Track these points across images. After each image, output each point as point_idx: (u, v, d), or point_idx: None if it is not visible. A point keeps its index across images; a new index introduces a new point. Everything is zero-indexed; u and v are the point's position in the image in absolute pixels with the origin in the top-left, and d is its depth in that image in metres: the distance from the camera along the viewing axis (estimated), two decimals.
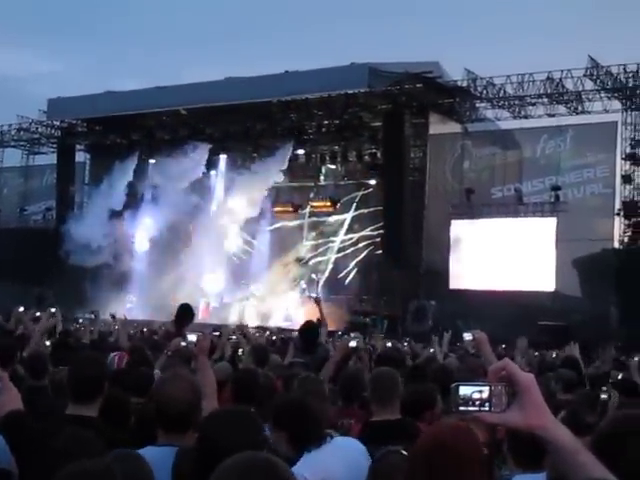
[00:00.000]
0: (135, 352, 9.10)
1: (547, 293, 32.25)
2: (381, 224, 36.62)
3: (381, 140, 36.91)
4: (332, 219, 40.89)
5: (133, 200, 41.98)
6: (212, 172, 41.99)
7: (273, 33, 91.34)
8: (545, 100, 34.31)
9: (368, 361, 9.52)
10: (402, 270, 34.62)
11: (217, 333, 11.33)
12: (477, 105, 36.07)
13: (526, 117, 35.40)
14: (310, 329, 10.26)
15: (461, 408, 2.18)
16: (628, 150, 32.90)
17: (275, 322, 36.34)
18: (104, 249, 39.80)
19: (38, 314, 10.42)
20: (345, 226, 40.55)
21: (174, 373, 4.53)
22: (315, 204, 40.89)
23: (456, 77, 35.23)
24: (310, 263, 40.99)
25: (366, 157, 39.22)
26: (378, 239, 37.72)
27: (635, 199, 32.60)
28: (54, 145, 46.23)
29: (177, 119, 41.39)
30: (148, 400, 5.28)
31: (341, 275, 40.03)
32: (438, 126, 36.28)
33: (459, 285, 33.89)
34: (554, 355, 15.13)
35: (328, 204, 40.31)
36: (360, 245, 39.75)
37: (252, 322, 36.95)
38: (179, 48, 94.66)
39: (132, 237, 42.35)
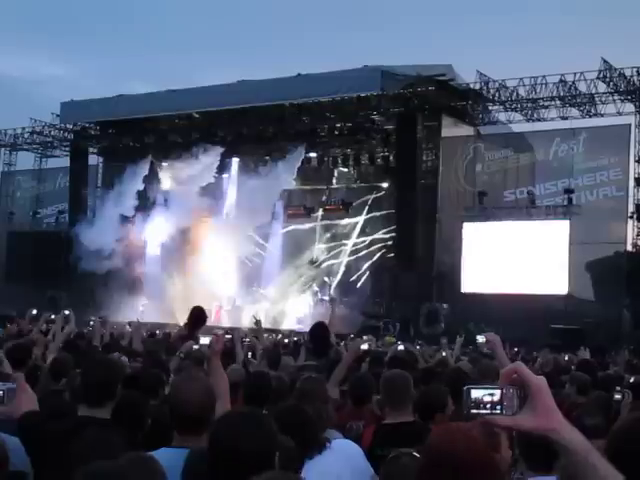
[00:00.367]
0: (148, 355, 9.15)
1: (560, 296, 32.13)
2: (393, 227, 36.59)
3: (393, 143, 36.89)
4: (344, 222, 40.89)
5: (145, 203, 42.02)
6: (224, 175, 42.06)
7: (286, 36, 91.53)
8: (558, 103, 34.21)
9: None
10: (414, 273, 34.59)
11: (229, 336, 11.35)
12: (490, 108, 36.02)
13: (539, 120, 35.32)
14: (320, 331, 10.27)
15: (473, 411, 2.19)
16: None
17: (287, 325, 36.39)
18: (116, 254, 39.87)
19: (53, 317, 10.45)
20: (357, 229, 40.55)
21: (189, 375, 4.56)
22: (327, 207, 40.93)
23: (469, 80, 35.22)
24: (322, 266, 41.00)
25: (378, 160, 39.23)
26: (390, 242, 37.70)
27: None
28: (67, 148, 46.38)
29: (189, 122, 41.49)
30: (161, 402, 5.31)
31: (353, 278, 40.02)
32: (451, 129, 36.26)
33: (471, 288, 33.81)
34: (566, 358, 15.13)
35: (340, 207, 40.35)
36: (372, 248, 39.73)
37: (264, 325, 37.06)
38: (192, 52, 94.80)
39: (144, 241, 42.40)
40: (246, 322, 36.95)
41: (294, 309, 38.65)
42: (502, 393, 2.17)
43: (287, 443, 3.81)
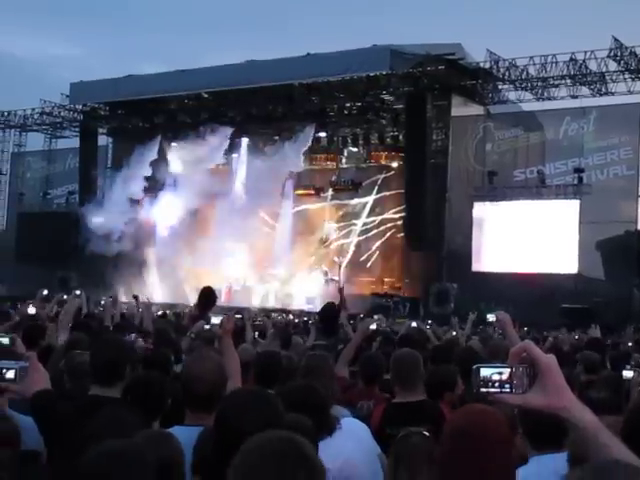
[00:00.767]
0: (159, 334, 9.17)
1: (570, 275, 32.10)
2: (403, 207, 36.59)
3: (403, 122, 36.83)
4: (354, 202, 40.89)
5: (154, 184, 42.03)
6: (234, 155, 42.06)
7: (295, 16, 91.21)
8: (568, 81, 34.05)
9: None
10: (424, 253, 34.61)
11: (239, 316, 11.38)
12: (500, 87, 35.89)
13: (549, 99, 35.16)
14: (330, 311, 10.28)
15: (482, 389, 2.20)
16: None
17: (297, 305, 36.46)
18: (125, 236, 39.93)
19: (65, 297, 10.47)
20: (367, 209, 40.55)
21: (201, 354, 4.57)
22: (337, 187, 40.90)
23: (478, 59, 35.09)
24: (332, 246, 41.04)
25: (388, 139, 39.20)
26: (400, 222, 37.71)
27: None
28: (77, 129, 46.42)
29: (199, 102, 41.43)
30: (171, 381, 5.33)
31: (363, 258, 40.06)
32: (460, 108, 36.12)
33: (481, 268, 33.81)
34: (577, 337, 15.14)
35: (350, 187, 40.32)
36: (382, 228, 39.75)
37: (274, 305, 37.19)
38: (201, 32, 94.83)
39: (153, 221, 42.43)
40: (256, 302, 37.11)
41: (304, 289, 38.67)
42: (512, 372, 2.18)
43: (304, 422, 3.81)
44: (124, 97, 41.37)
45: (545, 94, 35.07)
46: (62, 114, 45.96)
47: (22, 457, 3.68)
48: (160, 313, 18.27)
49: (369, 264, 39.77)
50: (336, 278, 38.10)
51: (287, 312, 31.59)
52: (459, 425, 2.88)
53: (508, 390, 2.18)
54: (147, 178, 41.55)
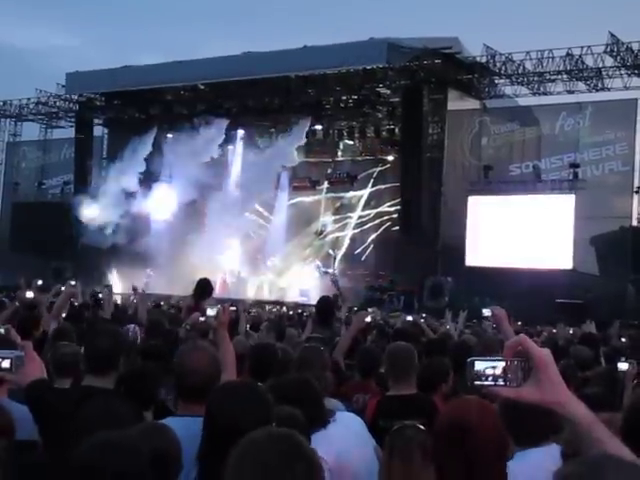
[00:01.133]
0: (151, 325, 9.18)
1: (564, 271, 32.10)
2: (398, 200, 36.60)
3: (399, 116, 36.81)
4: (349, 195, 40.91)
5: (149, 176, 41.94)
6: (229, 147, 42.00)
7: (291, 8, 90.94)
8: (564, 77, 34.06)
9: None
10: (419, 246, 34.57)
11: (234, 308, 11.38)
12: (496, 81, 35.86)
13: (545, 94, 35.16)
14: (326, 304, 10.30)
15: (476, 382, 2.21)
16: None
17: (292, 297, 36.46)
18: (120, 228, 39.89)
19: (62, 288, 10.44)
20: (362, 202, 40.56)
21: (195, 345, 4.58)
22: (333, 180, 40.88)
23: (475, 53, 35.04)
24: (327, 238, 41.05)
25: (384, 133, 39.17)
26: (395, 215, 37.74)
27: None
28: (72, 119, 46.31)
29: (195, 94, 41.34)
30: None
31: (358, 251, 40.09)
32: (457, 102, 36.09)
33: (476, 262, 33.81)
34: (571, 332, 15.16)
35: (346, 180, 40.30)
36: (377, 221, 39.78)
37: (269, 297, 37.20)
38: (198, 23, 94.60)
39: (148, 213, 42.32)
40: (250, 294, 37.11)
41: (298, 281, 38.67)
42: (506, 365, 2.19)
43: (294, 415, 3.83)
44: (120, 88, 41.21)
45: (541, 89, 35.07)
46: (58, 104, 45.82)
47: (19, 447, 3.68)
48: (154, 304, 18.28)
49: (364, 257, 39.80)
50: (330, 271, 38.10)
51: (281, 304, 31.63)
52: (453, 418, 2.89)
53: (502, 384, 2.19)
54: (143, 169, 41.45)
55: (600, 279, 32.35)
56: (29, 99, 46.46)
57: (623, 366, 6.97)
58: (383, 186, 39.66)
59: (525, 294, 28.58)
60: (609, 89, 33.66)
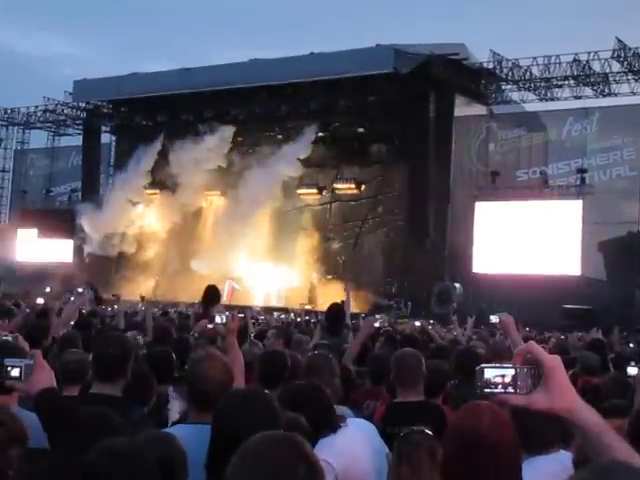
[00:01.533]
0: (158, 332, 9.18)
1: (572, 277, 32.01)
2: (406, 206, 36.54)
3: (406, 122, 36.73)
4: (356, 201, 40.83)
5: (156, 182, 42.00)
6: (235, 154, 41.95)
7: (299, 15, 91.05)
8: (571, 82, 34.05)
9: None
10: (426, 252, 34.52)
11: (241, 315, 11.36)
12: (503, 87, 35.89)
13: (552, 99, 35.17)
14: (336, 311, 10.30)
15: (486, 390, 2.21)
16: None
17: (297, 304, 36.38)
18: (126, 237, 39.98)
19: (72, 298, 10.49)
20: (369, 208, 40.49)
21: (207, 352, 4.58)
22: (339, 186, 40.80)
23: (482, 59, 35.09)
24: (334, 245, 40.99)
25: (391, 139, 39.07)
26: (402, 222, 37.66)
27: None
28: (80, 127, 46.45)
29: (202, 101, 41.35)
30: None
31: (365, 257, 40.01)
32: (463, 108, 36.09)
33: (483, 268, 33.75)
34: (579, 338, 15.11)
35: (352, 186, 40.23)
36: (384, 227, 39.71)
37: (276, 304, 37.16)
38: (205, 31, 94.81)
39: (154, 222, 42.37)
40: (258, 301, 37.10)
41: (306, 288, 38.60)
42: (516, 372, 2.19)
43: (298, 421, 3.83)
44: (127, 95, 41.35)
45: (548, 95, 35.07)
46: (65, 112, 45.98)
47: (31, 455, 3.68)
48: (161, 312, 18.29)
49: (371, 263, 39.72)
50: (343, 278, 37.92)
51: (288, 311, 31.58)
52: (465, 425, 2.87)
53: (512, 391, 2.18)
54: (150, 176, 41.52)
55: (608, 285, 32.26)
56: (37, 107, 46.67)
57: (633, 371, 6.95)
58: (390, 192, 39.59)
59: (533, 301, 28.49)
60: (616, 94, 33.66)
